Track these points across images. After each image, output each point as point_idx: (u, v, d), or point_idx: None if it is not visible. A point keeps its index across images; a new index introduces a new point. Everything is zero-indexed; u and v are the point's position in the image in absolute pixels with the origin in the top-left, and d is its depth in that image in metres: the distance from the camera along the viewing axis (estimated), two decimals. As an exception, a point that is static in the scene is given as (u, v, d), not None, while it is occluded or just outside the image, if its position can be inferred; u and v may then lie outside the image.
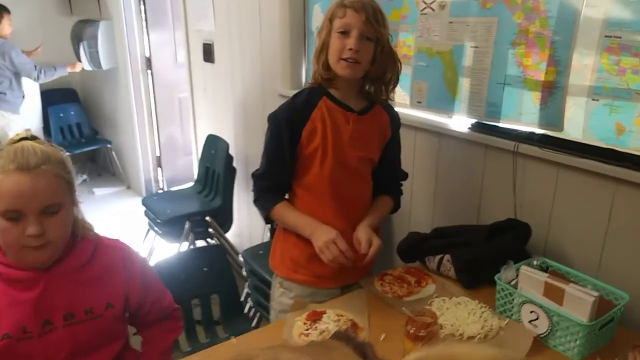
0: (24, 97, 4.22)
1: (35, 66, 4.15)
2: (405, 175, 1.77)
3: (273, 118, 1.56)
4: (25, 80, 4.24)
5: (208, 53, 3.17)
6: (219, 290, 2.06)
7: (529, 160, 1.69)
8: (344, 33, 1.44)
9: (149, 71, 4.31)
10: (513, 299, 1.42)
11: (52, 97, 4.86)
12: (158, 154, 4.59)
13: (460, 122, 1.91)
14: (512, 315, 1.44)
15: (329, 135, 1.53)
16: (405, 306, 1.49)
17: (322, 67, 1.50)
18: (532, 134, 1.68)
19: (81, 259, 1.28)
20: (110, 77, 4.60)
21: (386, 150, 1.66)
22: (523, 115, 1.69)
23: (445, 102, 1.93)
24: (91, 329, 1.27)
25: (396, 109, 2.11)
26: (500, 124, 1.77)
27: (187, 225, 2.94)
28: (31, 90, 4.50)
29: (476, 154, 1.86)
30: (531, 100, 1.66)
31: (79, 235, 1.30)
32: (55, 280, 1.23)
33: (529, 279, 1.39)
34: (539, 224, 1.69)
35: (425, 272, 1.70)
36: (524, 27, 1.63)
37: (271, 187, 1.61)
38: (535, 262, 1.51)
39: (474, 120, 1.85)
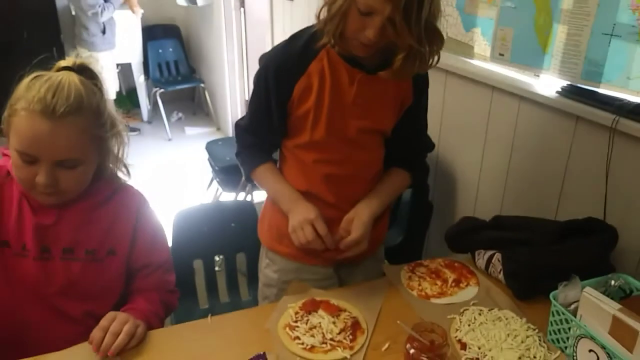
0: (104, 33, 4.18)
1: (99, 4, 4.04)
2: (431, 146, 1.40)
3: (263, 63, 1.26)
4: (126, 14, 4.29)
5: (288, -11, 2.90)
6: (246, 249, 1.87)
7: (630, 142, 1.27)
8: (366, 14, 1.06)
9: (242, 9, 4.14)
10: (569, 329, 1.05)
11: (153, 32, 4.92)
12: (247, 97, 4.48)
13: (548, 84, 1.48)
14: (566, 348, 1.07)
15: (325, 96, 1.20)
16: (430, 310, 1.20)
17: (334, 36, 1.12)
18: (643, 106, 1.22)
19: (96, 199, 1.22)
20: (206, 14, 4.52)
21: (405, 119, 1.30)
22: (632, 81, 1.25)
23: (533, 56, 1.51)
24: (88, 270, 1.20)
25: (473, 62, 1.74)
26: (601, 90, 1.33)
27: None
28: (132, 24, 4.56)
29: (563, 126, 1.44)
30: (646, 60, 1.20)
31: (105, 174, 1.24)
32: (67, 212, 1.18)
33: (592, 307, 1.01)
34: (635, 229, 1.25)
35: (471, 270, 1.36)
36: (651, -47, 1.16)
37: (256, 144, 1.35)
38: (613, 283, 1.11)
39: (565, 83, 1.42)
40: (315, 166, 1.28)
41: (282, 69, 1.20)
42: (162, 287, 1.33)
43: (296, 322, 1.17)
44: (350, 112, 1.22)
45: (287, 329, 1.16)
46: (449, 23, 1.83)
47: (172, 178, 3.94)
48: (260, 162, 1.34)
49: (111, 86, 4.34)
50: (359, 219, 1.26)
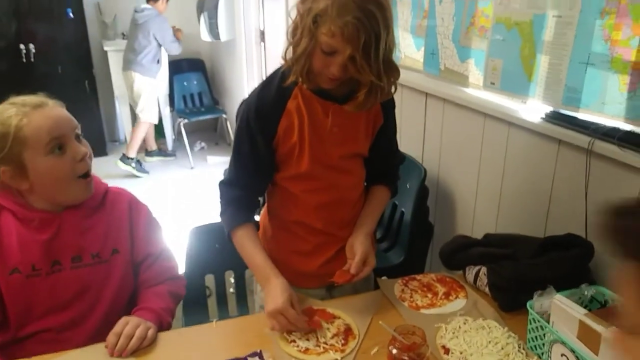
0: (159, 62, 4.55)
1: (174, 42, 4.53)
2: (402, 159, 1.49)
3: (242, 111, 1.29)
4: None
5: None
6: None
7: (605, 162, 1.34)
8: (329, 54, 1.14)
9: (262, 43, 4.34)
10: (544, 335, 1.13)
11: (179, 66, 5.15)
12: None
13: (533, 110, 1.57)
14: (542, 353, 1.14)
15: (305, 130, 1.26)
16: (419, 319, 1.28)
17: (301, 74, 1.19)
18: (616, 129, 1.31)
19: (91, 204, 1.31)
20: (229, 48, 4.74)
21: (379, 137, 1.38)
22: (606, 105, 1.33)
23: (520, 84, 1.60)
24: (97, 272, 1.30)
25: (468, 90, 1.85)
26: (580, 115, 1.41)
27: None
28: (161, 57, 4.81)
29: (548, 150, 1.52)
30: (617, 86, 1.29)
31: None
32: (66, 223, 1.26)
33: (562, 313, 1.08)
34: (613, 245, 1.32)
35: (461, 284, 1.44)
36: (618, -10, 1.26)
37: (240, 197, 1.35)
38: (586, 293, 1.18)
39: (549, 109, 1.51)
40: (304, 195, 1.34)
41: (263, 113, 1.25)
42: (166, 274, 1.41)
43: (292, 327, 1.27)
44: (330, 140, 1.29)
45: (285, 333, 1.25)
46: (446, 55, 1.95)
47: (193, 203, 4.09)
48: (241, 222, 1.33)
49: (155, 111, 4.70)
50: (357, 240, 1.33)
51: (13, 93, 1.24)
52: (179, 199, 4.19)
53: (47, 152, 1.19)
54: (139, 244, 1.38)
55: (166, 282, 1.41)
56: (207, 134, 5.58)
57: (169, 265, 1.44)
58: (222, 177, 1.39)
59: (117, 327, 1.20)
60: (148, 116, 4.62)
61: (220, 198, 1.38)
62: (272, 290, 1.25)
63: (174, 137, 5.23)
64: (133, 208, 1.38)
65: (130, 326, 1.20)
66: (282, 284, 1.25)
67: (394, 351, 1.07)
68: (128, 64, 4.46)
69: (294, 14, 1.19)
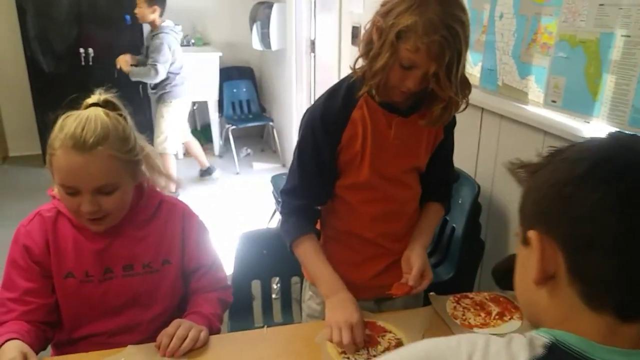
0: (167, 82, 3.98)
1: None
2: (457, 177, 1.48)
3: (307, 120, 1.31)
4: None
5: (355, 36, 3.08)
6: (300, 274, 1.97)
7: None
8: (407, 68, 1.15)
9: (312, 54, 4.39)
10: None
11: (229, 74, 5.26)
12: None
13: (597, 130, 1.53)
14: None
15: (368, 140, 1.27)
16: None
17: (377, 86, 1.19)
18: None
19: (145, 214, 1.32)
20: (279, 57, 4.80)
21: (437, 153, 1.37)
22: (678, 128, 1.28)
23: (583, 103, 1.56)
24: (148, 282, 1.32)
25: (527, 107, 1.81)
26: (647, 137, 1.37)
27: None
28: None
29: (611, 171, 1.47)
30: (691, 109, 1.24)
31: (145, 192, 1.34)
32: (120, 233, 1.29)
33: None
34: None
35: (515, 305, 1.40)
36: (695, 10, 1.22)
37: (303, 207, 1.35)
38: None
39: (614, 129, 1.46)
40: (360, 206, 1.34)
41: (329, 121, 1.27)
42: (216, 285, 1.42)
43: (343, 338, 1.26)
44: (391, 152, 1.29)
45: (336, 344, 1.25)
46: (505, 71, 1.92)
47: (237, 208, 4.15)
48: (303, 232, 1.34)
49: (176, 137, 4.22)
50: (413, 253, 1.32)
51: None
52: (225, 203, 4.26)
53: (61, 186, 1.19)
54: (190, 255, 1.38)
55: (217, 290, 1.43)
56: (253, 140, 5.66)
57: (220, 276, 1.46)
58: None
59: (170, 329, 1.21)
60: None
61: (282, 207, 1.39)
62: (344, 303, 1.25)
63: (221, 142, 5.33)
64: (186, 219, 1.39)
65: (182, 328, 1.21)
66: (353, 299, 1.26)
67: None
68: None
69: (369, 26, 1.19)
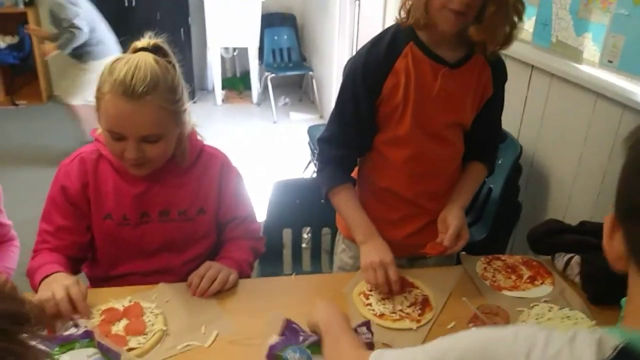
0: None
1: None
2: (504, 137, 1.42)
3: (349, 68, 1.27)
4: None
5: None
6: (331, 225, 1.98)
7: None
8: None
9: (357, 2, 4.25)
10: (639, 335, 1.05)
11: (271, 20, 5.17)
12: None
13: (655, 94, 1.44)
14: (634, 354, 1.07)
15: (411, 92, 1.23)
16: (500, 300, 1.24)
17: (423, 7, 1.14)
18: None
19: (182, 165, 1.32)
20: (322, 5, 4.68)
21: (484, 110, 1.32)
22: None
23: (642, 64, 1.47)
24: (182, 229, 1.34)
25: (581, 67, 1.72)
26: None
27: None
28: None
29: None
30: None
31: (186, 140, 1.32)
32: (158, 179, 1.30)
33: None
34: None
35: (548, 270, 1.38)
36: None
37: (340, 156, 1.34)
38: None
39: (673, 93, 1.38)
40: (398, 163, 1.32)
41: (370, 71, 1.23)
42: (250, 235, 1.44)
43: (371, 290, 1.26)
44: (434, 105, 1.25)
45: (362, 295, 1.25)
46: (560, 26, 1.82)
47: (273, 157, 4.17)
48: (340, 182, 1.33)
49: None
50: (450, 213, 1.30)
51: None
52: (261, 151, 4.29)
53: (106, 129, 1.19)
54: (226, 206, 1.39)
55: (250, 239, 1.45)
56: (292, 89, 5.62)
57: (254, 227, 1.47)
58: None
59: (201, 270, 1.24)
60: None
61: (319, 155, 1.37)
62: (377, 246, 1.27)
63: (260, 90, 5.31)
64: (225, 170, 1.38)
65: (213, 270, 1.24)
66: (386, 245, 1.27)
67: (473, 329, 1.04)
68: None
69: None
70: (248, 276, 1.39)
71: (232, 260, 1.34)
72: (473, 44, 1.22)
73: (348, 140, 1.32)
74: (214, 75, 5.22)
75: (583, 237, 1.36)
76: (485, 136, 1.37)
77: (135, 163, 1.21)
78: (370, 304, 1.22)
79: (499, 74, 1.30)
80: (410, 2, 1.18)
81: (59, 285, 1.09)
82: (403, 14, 1.20)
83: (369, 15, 4.22)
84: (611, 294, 1.21)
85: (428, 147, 1.30)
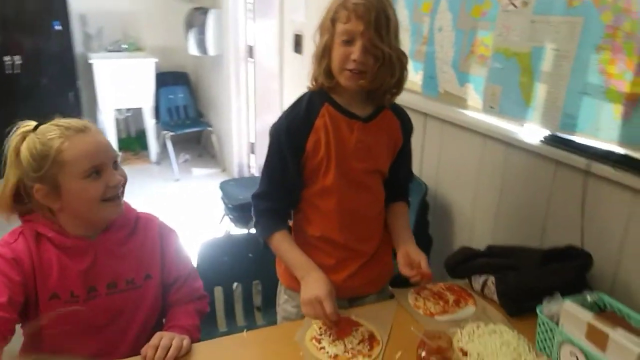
0: None
1: None
2: (412, 177, 1.67)
3: (273, 132, 1.42)
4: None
5: (298, 44, 3.18)
6: (261, 278, 2.04)
7: (602, 183, 1.48)
8: (348, 42, 1.29)
9: (250, 59, 4.43)
10: (553, 336, 1.25)
11: (164, 79, 5.19)
12: (252, 141, 4.72)
13: (531, 133, 1.72)
14: (551, 353, 1.26)
15: (332, 146, 1.38)
16: (435, 325, 1.39)
17: (324, 74, 1.35)
18: (611, 152, 1.46)
19: (124, 231, 1.36)
20: (216, 63, 4.81)
21: (399, 157, 1.51)
22: (601, 131, 1.48)
23: (518, 108, 1.75)
24: (130, 298, 1.35)
25: (467, 112, 1.99)
26: (576, 138, 1.56)
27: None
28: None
29: (545, 170, 1.66)
30: (612, 114, 1.44)
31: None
32: (102, 251, 1.31)
33: (571, 317, 1.21)
34: (607, 257, 1.47)
35: (468, 292, 1.56)
36: (612, 29, 1.42)
37: (272, 209, 1.45)
38: (589, 299, 1.31)
39: (547, 133, 1.66)
40: (328, 211, 1.44)
41: (292, 132, 1.37)
42: (193, 295, 1.48)
43: (321, 335, 1.35)
44: (354, 156, 1.40)
45: (314, 340, 1.33)
46: (445, 79, 2.09)
47: (181, 214, 4.13)
48: (276, 229, 1.43)
49: None
50: (411, 248, 1.46)
51: None
52: (168, 210, 4.20)
53: (83, 177, 1.23)
54: (169, 267, 1.43)
55: (194, 301, 1.48)
56: (190, 145, 5.62)
57: (196, 285, 1.51)
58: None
59: (154, 340, 1.24)
60: None
61: (253, 209, 1.47)
62: (315, 280, 1.35)
63: (158, 149, 5.25)
64: (164, 232, 1.43)
65: (166, 339, 1.24)
66: (324, 277, 1.36)
67: (423, 354, 1.17)
68: None
69: (316, 39, 1.36)
70: (197, 340, 1.40)
71: (182, 329, 1.36)
72: (382, 101, 1.41)
73: (278, 195, 1.44)
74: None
75: (493, 260, 1.57)
76: (401, 179, 1.56)
77: (121, 189, 1.30)
78: (323, 347, 1.30)
79: (405, 122, 1.49)
80: (314, 71, 1.38)
81: None
82: (313, 82, 1.40)
83: (266, 71, 4.41)
84: (524, 306, 1.42)
85: (353, 194, 1.44)
